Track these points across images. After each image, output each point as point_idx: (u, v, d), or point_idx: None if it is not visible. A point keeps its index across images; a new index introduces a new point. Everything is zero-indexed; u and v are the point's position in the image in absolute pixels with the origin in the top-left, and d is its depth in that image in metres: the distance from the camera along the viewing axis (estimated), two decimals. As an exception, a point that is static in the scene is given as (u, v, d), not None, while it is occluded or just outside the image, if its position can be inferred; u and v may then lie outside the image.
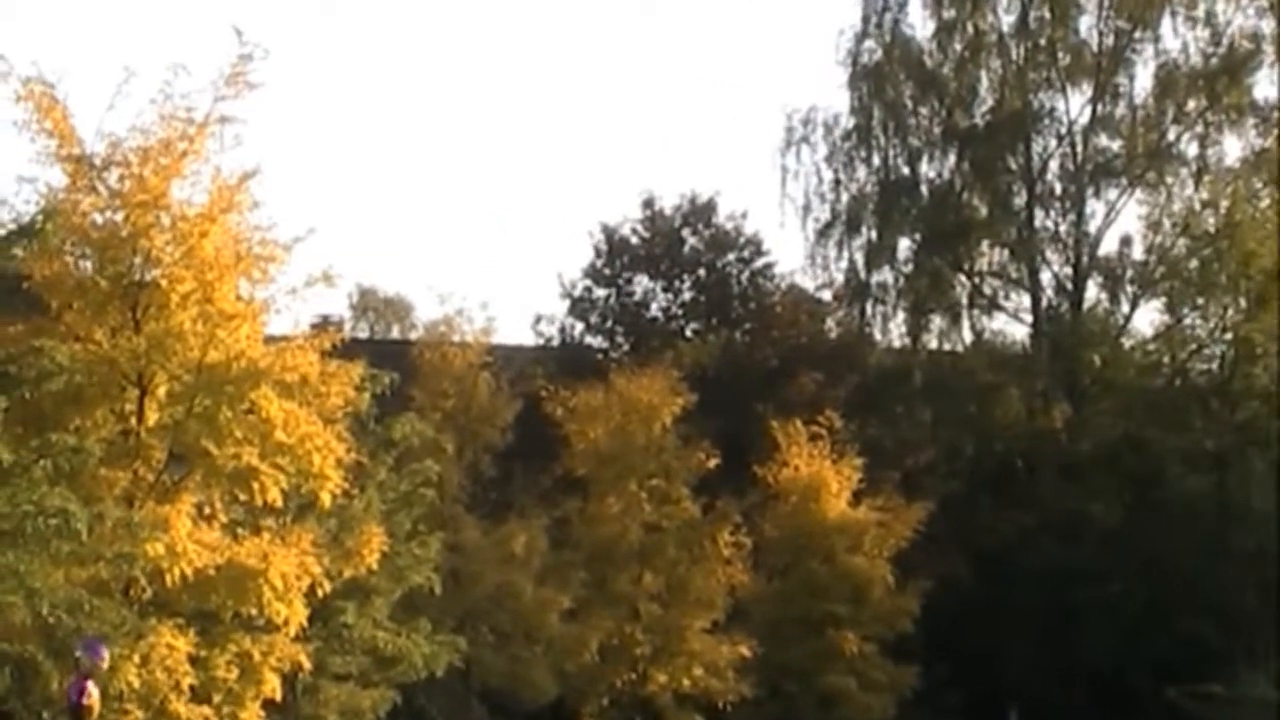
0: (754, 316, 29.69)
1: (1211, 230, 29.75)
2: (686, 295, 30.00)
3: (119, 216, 13.07)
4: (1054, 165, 30.61)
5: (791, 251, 55.71)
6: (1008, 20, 30.62)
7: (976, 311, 31.06)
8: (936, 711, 24.23)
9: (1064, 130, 30.46)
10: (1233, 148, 30.55)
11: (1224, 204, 29.81)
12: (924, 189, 31.09)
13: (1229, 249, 29.15)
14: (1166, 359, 30.26)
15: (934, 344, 31.16)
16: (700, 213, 30.16)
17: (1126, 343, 30.44)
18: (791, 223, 32.49)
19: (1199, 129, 30.33)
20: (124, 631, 12.04)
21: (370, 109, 58.14)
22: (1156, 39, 30.25)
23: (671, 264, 29.97)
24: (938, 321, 31.07)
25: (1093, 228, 30.46)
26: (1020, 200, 30.69)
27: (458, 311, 22.60)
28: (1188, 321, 30.13)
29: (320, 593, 13.41)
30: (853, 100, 30.97)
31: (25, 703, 12.19)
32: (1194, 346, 30.13)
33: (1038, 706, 26.01)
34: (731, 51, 57.26)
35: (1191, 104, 30.25)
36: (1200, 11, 30.18)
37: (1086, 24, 30.49)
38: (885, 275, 31.03)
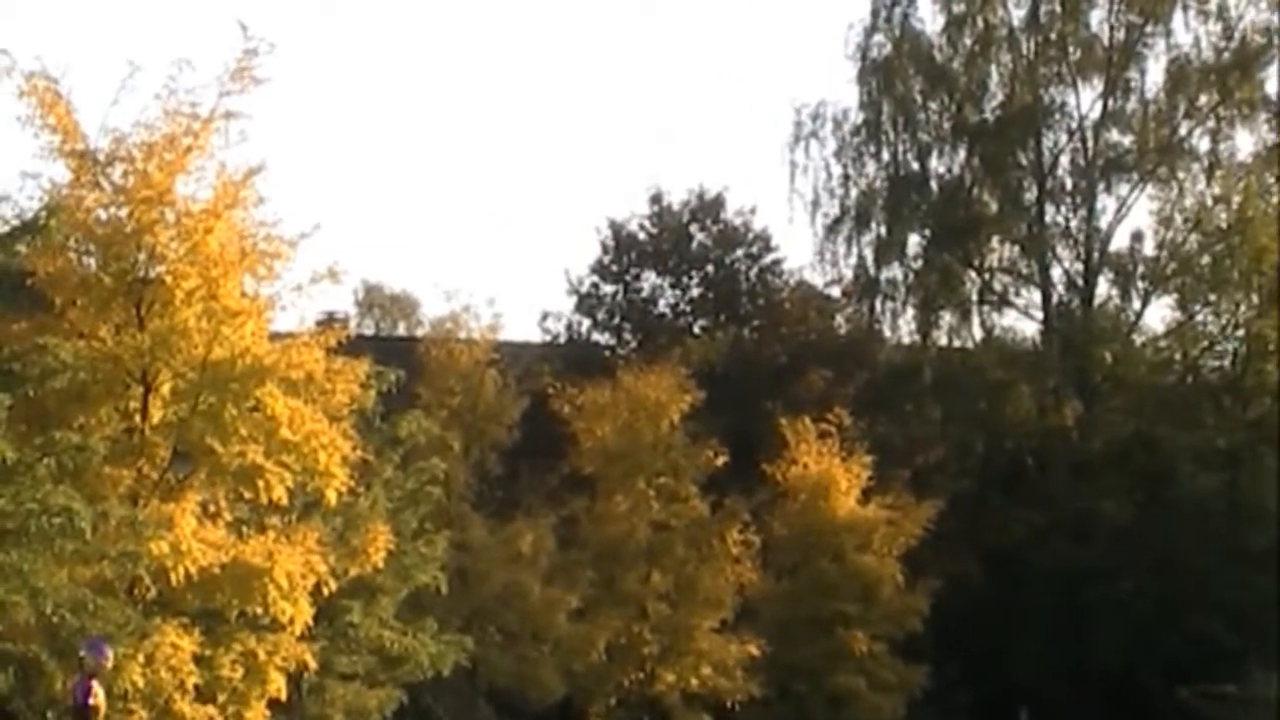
0: (762, 313, 29.57)
1: (1223, 226, 29.63)
2: (694, 292, 29.89)
3: (123, 212, 13.00)
4: (1065, 160, 30.51)
5: (800, 247, 55.76)
6: (1018, 14, 30.49)
7: (986, 308, 30.95)
8: (946, 711, 24.14)
9: (1075, 125, 30.34)
10: (1245, 143, 30.60)
11: (1236, 199, 29.67)
12: (934, 184, 30.95)
13: (1241, 245, 29.01)
14: (1178, 355, 30.12)
15: (944, 341, 31.05)
16: (708, 208, 30.04)
17: (1138, 339, 30.32)
18: (800, 218, 32.29)
19: (1211, 124, 30.16)
20: (128, 631, 11.99)
21: (376, 104, 58.17)
22: (1168, 33, 30.12)
23: (679, 260, 29.85)
24: (947, 318, 30.97)
25: (1104, 223, 30.39)
26: (1031, 196, 30.53)
27: (464, 308, 22.59)
28: (1199, 318, 30.02)
29: (326, 592, 13.35)
30: (862, 95, 30.88)
31: (29, 703, 12.13)
32: (1206, 343, 30.01)
33: (1048, 706, 25.91)
34: (740, 46, 57.19)
35: (1203, 99, 30.08)
36: (1212, 6, 30.00)
37: (1097, 18, 30.39)
38: (895, 271, 30.94)
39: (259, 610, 12.74)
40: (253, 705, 13.06)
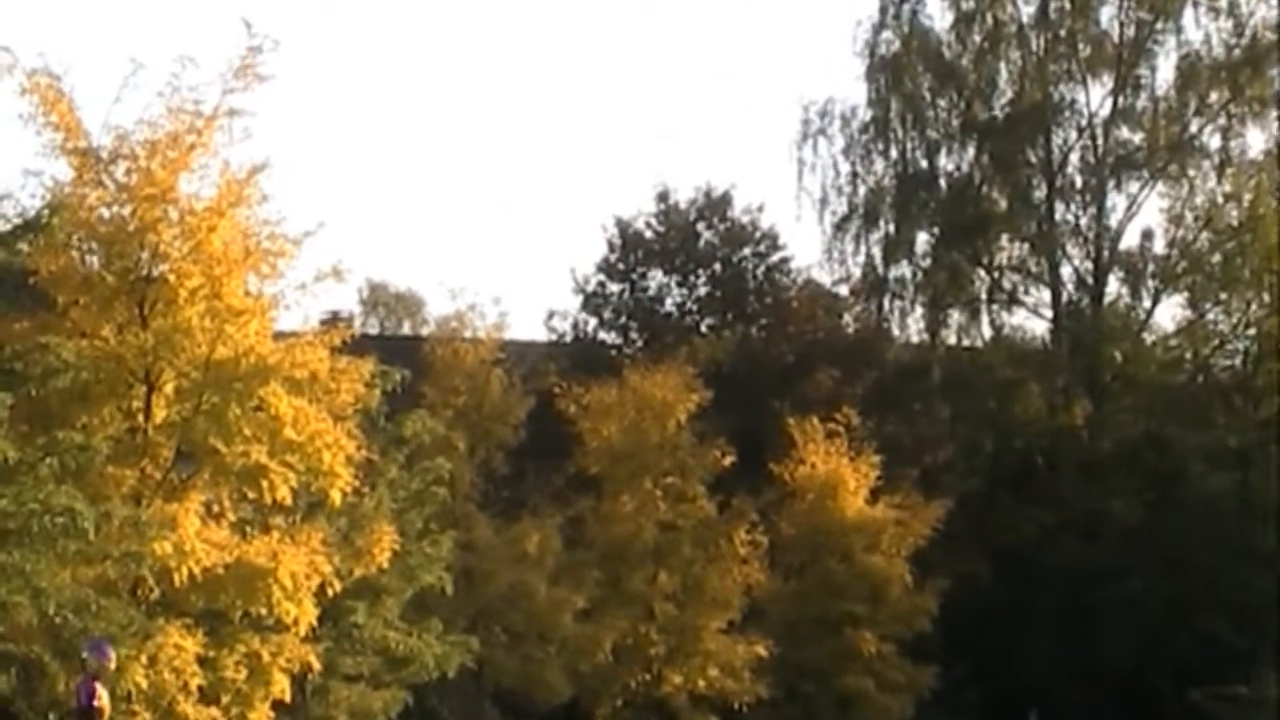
0: (770, 312, 29.46)
1: (1234, 224, 29.52)
2: (701, 290, 29.77)
3: (126, 211, 12.95)
4: (1074, 158, 30.40)
5: (808, 246, 55.57)
6: (1027, 11, 30.40)
7: (996, 306, 30.85)
8: (955, 712, 24.04)
9: (1085, 123, 30.23)
10: (1255, 140, 30.32)
11: (1247, 197, 29.54)
12: (942, 182, 30.85)
13: (1252, 243, 28.89)
14: (1189, 354, 30.00)
15: (953, 339, 30.97)
16: (715, 206, 29.92)
17: (1148, 338, 30.22)
18: (808, 216, 32.30)
19: (1221, 121, 30.03)
20: (131, 632, 11.93)
21: (381, 102, 58.10)
22: (1178, 30, 29.99)
23: (686, 258, 29.74)
24: (956, 317, 30.87)
25: (1114, 221, 30.27)
26: (1040, 193, 30.41)
27: (469, 307, 22.49)
28: (1210, 316, 29.89)
29: (330, 592, 13.32)
30: (870, 92, 30.78)
31: (31, 704, 12.08)
32: (1216, 342, 29.89)
33: (1057, 706, 25.82)
34: (747, 43, 57.04)
35: (1214, 96, 29.94)
36: (1223, 2, 29.88)
37: (1107, 15, 30.27)
38: (903, 270, 30.85)
39: (263, 611, 12.70)
40: (257, 707, 13.00)
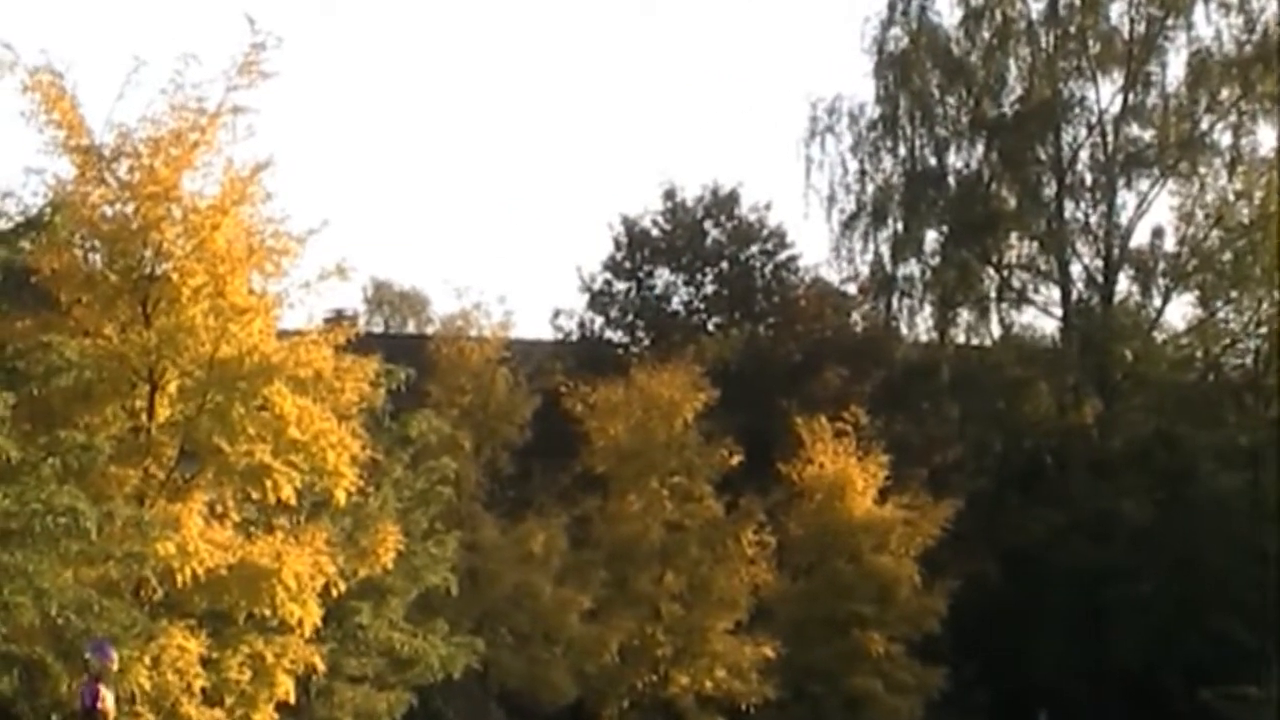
0: (778, 310, 29.33)
1: (1245, 221, 29.31)
2: (709, 288, 29.65)
3: (129, 209, 12.92)
4: (1084, 155, 30.20)
5: (816, 244, 55.45)
6: (1037, 7, 30.20)
7: (1005, 305, 30.67)
8: (964, 712, 23.91)
9: (1094, 120, 30.01)
10: (1267, 137, 30.07)
11: (1258, 194, 29.34)
12: (951, 180, 30.66)
13: (1263, 240, 28.70)
14: (1199, 353, 29.81)
15: (961, 338, 30.81)
16: (723, 204, 29.80)
17: (1158, 337, 30.02)
18: (816, 214, 32.01)
19: (1232, 118, 29.83)
20: (134, 633, 11.90)
21: (385, 99, 58.07)
22: (1189, 26, 29.76)
23: (693, 257, 29.62)
24: (965, 315, 30.69)
25: (1124, 219, 30.07)
26: (1050, 191, 30.23)
27: (475, 305, 22.39)
28: (1221, 315, 29.70)
29: (335, 593, 13.28)
30: (878, 89, 30.59)
31: (33, 705, 12.02)
32: (1227, 340, 29.69)
33: (1067, 707, 25.70)
34: (754, 39, 56.90)
35: (1225, 93, 29.74)
36: (1233, -2, 29.64)
37: (1118, 11, 30.07)
38: (912, 268, 30.66)
39: (267, 612, 12.66)
40: (260, 708, 12.95)
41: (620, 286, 29.62)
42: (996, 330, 30.66)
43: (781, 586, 22.65)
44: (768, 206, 29.81)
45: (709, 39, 57.54)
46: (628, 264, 29.63)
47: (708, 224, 29.86)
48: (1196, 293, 29.66)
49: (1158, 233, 30.06)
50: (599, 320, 29.58)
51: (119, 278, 12.80)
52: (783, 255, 29.74)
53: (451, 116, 57.61)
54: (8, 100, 12.65)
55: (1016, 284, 30.78)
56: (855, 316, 30.52)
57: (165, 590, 12.38)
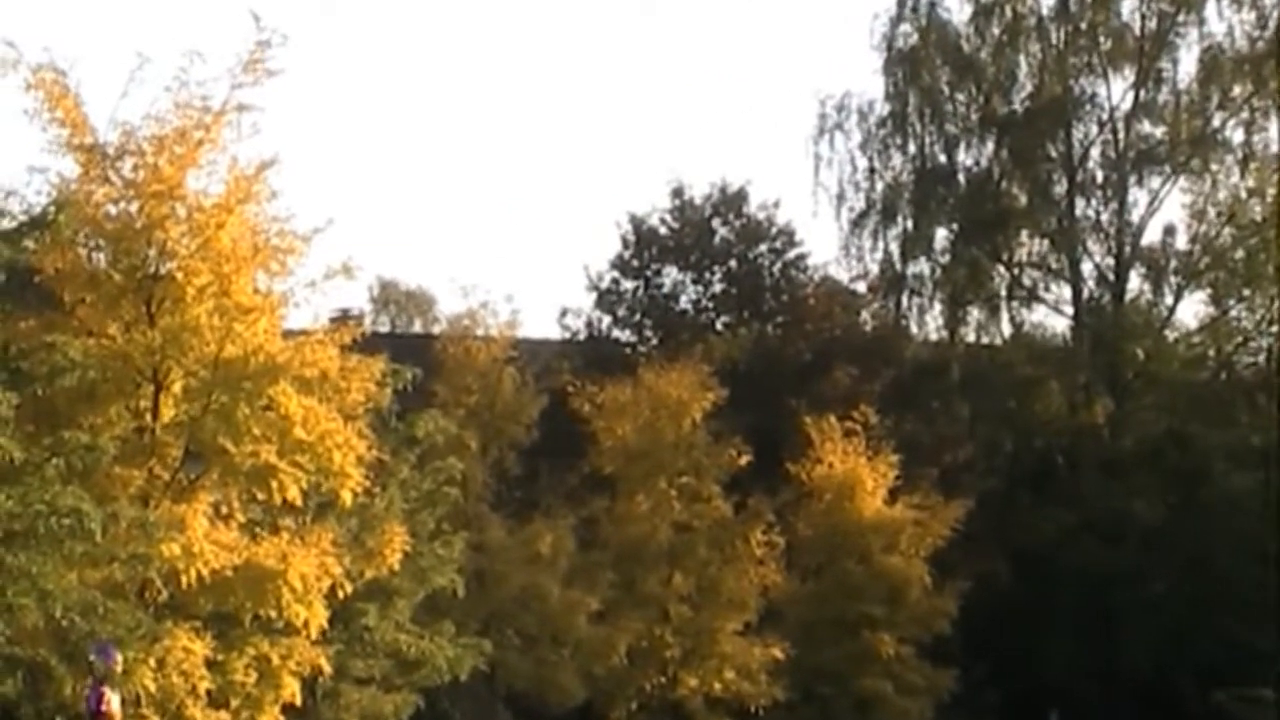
0: (786, 309, 29.20)
1: (1258, 219, 29.13)
2: (717, 287, 29.53)
3: (133, 207, 12.87)
4: (1095, 153, 30.02)
5: (825, 242, 54.97)
6: (1047, 3, 30.03)
7: (1016, 303, 30.52)
8: (975, 714, 23.79)
9: (1105, 117, 29.86)
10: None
11: (1270, 192, 29.16)
12: (961, 177, 30.52)
13: (1276, 238, 28.49)
14: (1211, 352, 29.64)
15: (972, 337, 30.66)
16: (731, 202, 29.67)
17: (1170, 335, 29.85)
18: (825, 212, 32.00)
19: (1245, 115, 29.65)
20: (139, 635, 11.85)
21: (391, 97, 58.05)
22: (1201, 22, 29.58)
23: (701, 255, 29.50)
24: (976, 314, 30.56)
25: (1135, 217, 29.89)
26: (1060, 189, 30.07)
27: (481, 305, 22.31)
28: (1233, 313, 29.53)
29: (341, 594, 13.22)
30: (888, 86, 30.42)
31: (37, 708, 11.97)
32: (1240, 339, 29.53)
33: (1078, 708, 25.56)
34: (763, 36, 56.68)
35: (1237, 89, 29.55)
36: (1246, -6, 29.44)
37: (1129, 7, 29.88)
38: (922, 266, 30.52)
39: (272, 613, 12.61)
40: (266, 710, 12.90)
41: (628, 285, 29.51)
42: (1007, 329, 30.57)
43: (791, 587, 22.54)
44: (776, 205, 29.71)
45: (717, 36, 57.46)
46: (635, 263, 29.51)
47: (716, 222, 29.73)
48: (1208, 291, 29.50)
49: (1169, 230, 29.92)
50: (606, 319, 29.46)
51: (123, 277, 12.75)
52: (792, 254, 29.61)
53: (458, 114, 57.62)
54: (11, 99, 12.62)
55: (1027, 282, 30.62)
56: (865, 315, 30.37)
57: (170, 592, 12.34)
